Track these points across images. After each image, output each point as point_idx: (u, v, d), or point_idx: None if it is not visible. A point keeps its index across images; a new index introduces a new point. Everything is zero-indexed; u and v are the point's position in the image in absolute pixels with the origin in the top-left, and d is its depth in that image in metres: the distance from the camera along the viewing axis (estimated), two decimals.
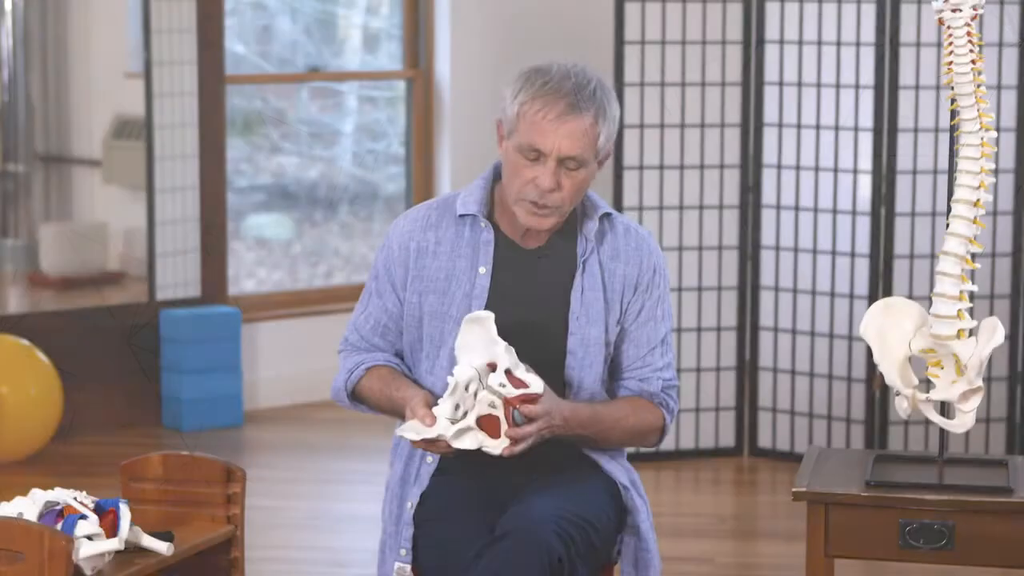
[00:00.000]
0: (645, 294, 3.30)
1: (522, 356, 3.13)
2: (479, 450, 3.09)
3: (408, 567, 3.23)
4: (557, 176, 3.16)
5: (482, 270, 3.26)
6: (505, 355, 3.08)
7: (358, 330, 3.38)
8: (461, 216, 3.29)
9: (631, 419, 3.29)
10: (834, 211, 5.84)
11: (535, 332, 3.23)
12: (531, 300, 3.26)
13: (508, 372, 3.08)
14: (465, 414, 3.08)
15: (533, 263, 3.28)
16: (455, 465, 3.28)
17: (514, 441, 3.07)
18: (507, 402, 3.06)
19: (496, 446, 3.08)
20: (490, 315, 3.12)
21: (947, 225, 3.18)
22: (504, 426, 3.07)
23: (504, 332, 3.16)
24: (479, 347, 3.10)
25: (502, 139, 3.25)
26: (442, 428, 3.07)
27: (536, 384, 3.08)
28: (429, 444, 3.10)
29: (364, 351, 3.38)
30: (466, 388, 3.08)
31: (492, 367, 3.08)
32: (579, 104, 3.15)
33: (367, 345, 3.37)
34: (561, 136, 3.14)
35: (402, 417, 3.23)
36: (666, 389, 3.34)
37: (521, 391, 3.06)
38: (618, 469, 3.33)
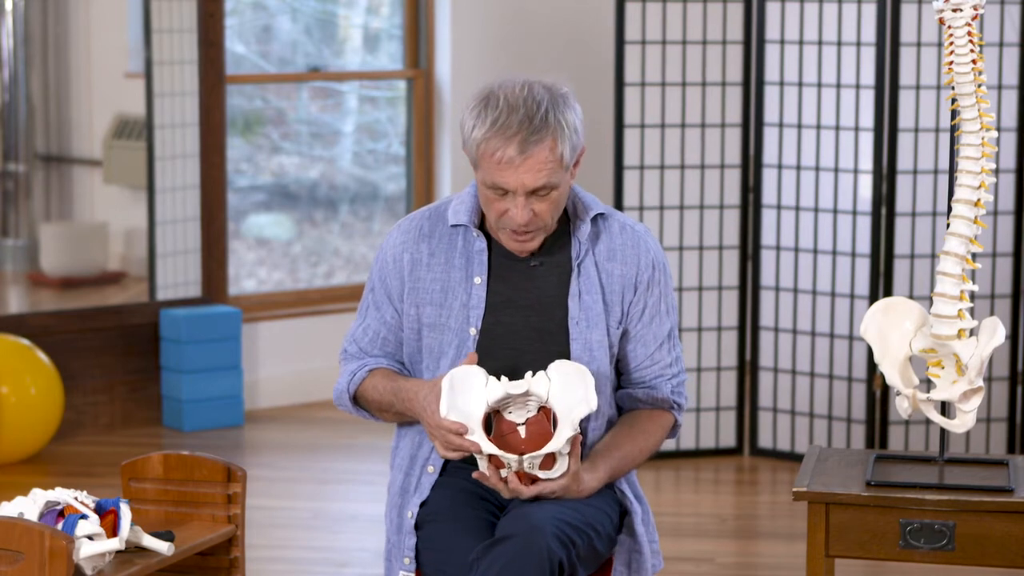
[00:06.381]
0: (647, 293, 3.27)
1: (526, 363, 3.15)
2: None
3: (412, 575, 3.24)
4: (529, 207, 3.12)
5: (477, 280, 3.23)
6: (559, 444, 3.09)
7: (356, 342, 3.36)
8: (453, 226, 3.27)
9: (648, 445, 3.28)
10: (834, 211, 5.84)
11: (537, 340, 3.21)
12: (529, 308, 3.23)
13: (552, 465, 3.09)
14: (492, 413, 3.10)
15: (528, 270, 3.25)
16: (455, 467, 3.28)
17: (497, 480, 3.09)
18: (521, 475, 3.08)
19: (482, 465, 3.09)
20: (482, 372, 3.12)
21: (948, 225, 3.18)
22: (505, 471, 3.08)
23: (505, 341, 3.18)
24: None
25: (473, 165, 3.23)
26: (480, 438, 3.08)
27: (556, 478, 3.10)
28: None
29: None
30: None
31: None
32: (532, 137, 3.09)
33: (366, 357, 3.36)
34: (523, 173, 3.10)
35: (407, 410, 3.22)
36: (675, 389, 3.33)
37: (538, 475, 3.08)
38: None
